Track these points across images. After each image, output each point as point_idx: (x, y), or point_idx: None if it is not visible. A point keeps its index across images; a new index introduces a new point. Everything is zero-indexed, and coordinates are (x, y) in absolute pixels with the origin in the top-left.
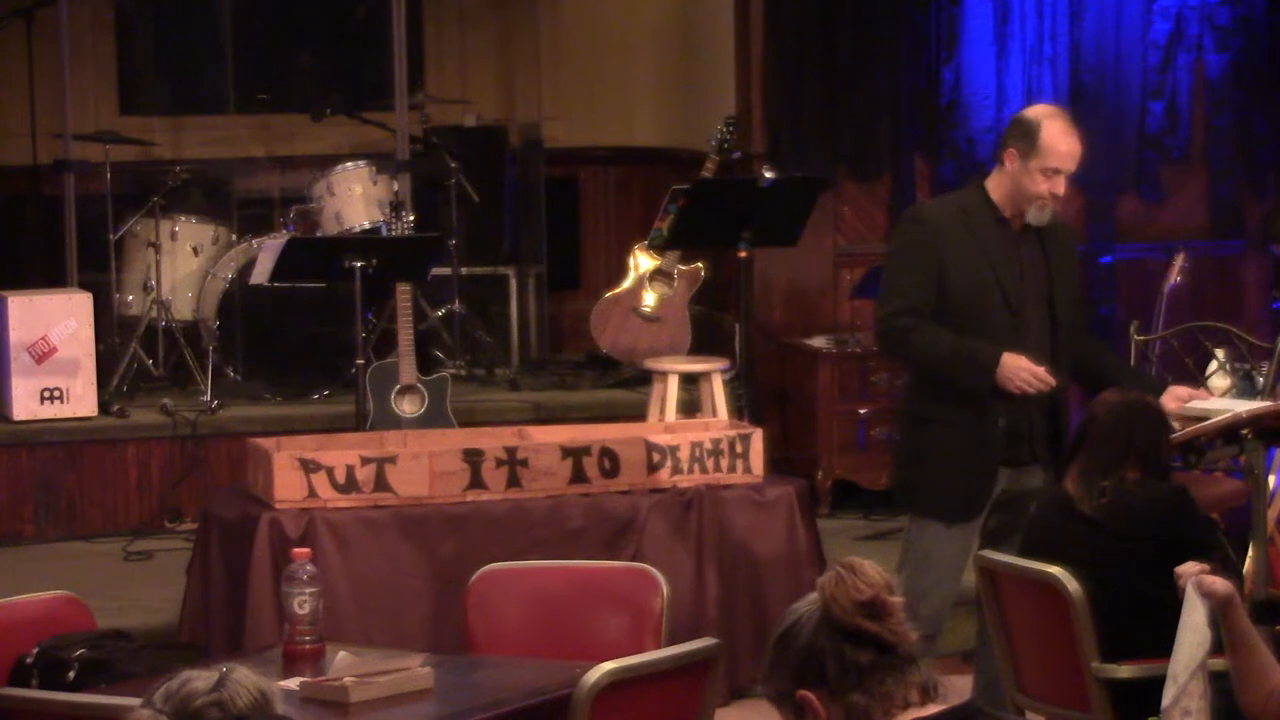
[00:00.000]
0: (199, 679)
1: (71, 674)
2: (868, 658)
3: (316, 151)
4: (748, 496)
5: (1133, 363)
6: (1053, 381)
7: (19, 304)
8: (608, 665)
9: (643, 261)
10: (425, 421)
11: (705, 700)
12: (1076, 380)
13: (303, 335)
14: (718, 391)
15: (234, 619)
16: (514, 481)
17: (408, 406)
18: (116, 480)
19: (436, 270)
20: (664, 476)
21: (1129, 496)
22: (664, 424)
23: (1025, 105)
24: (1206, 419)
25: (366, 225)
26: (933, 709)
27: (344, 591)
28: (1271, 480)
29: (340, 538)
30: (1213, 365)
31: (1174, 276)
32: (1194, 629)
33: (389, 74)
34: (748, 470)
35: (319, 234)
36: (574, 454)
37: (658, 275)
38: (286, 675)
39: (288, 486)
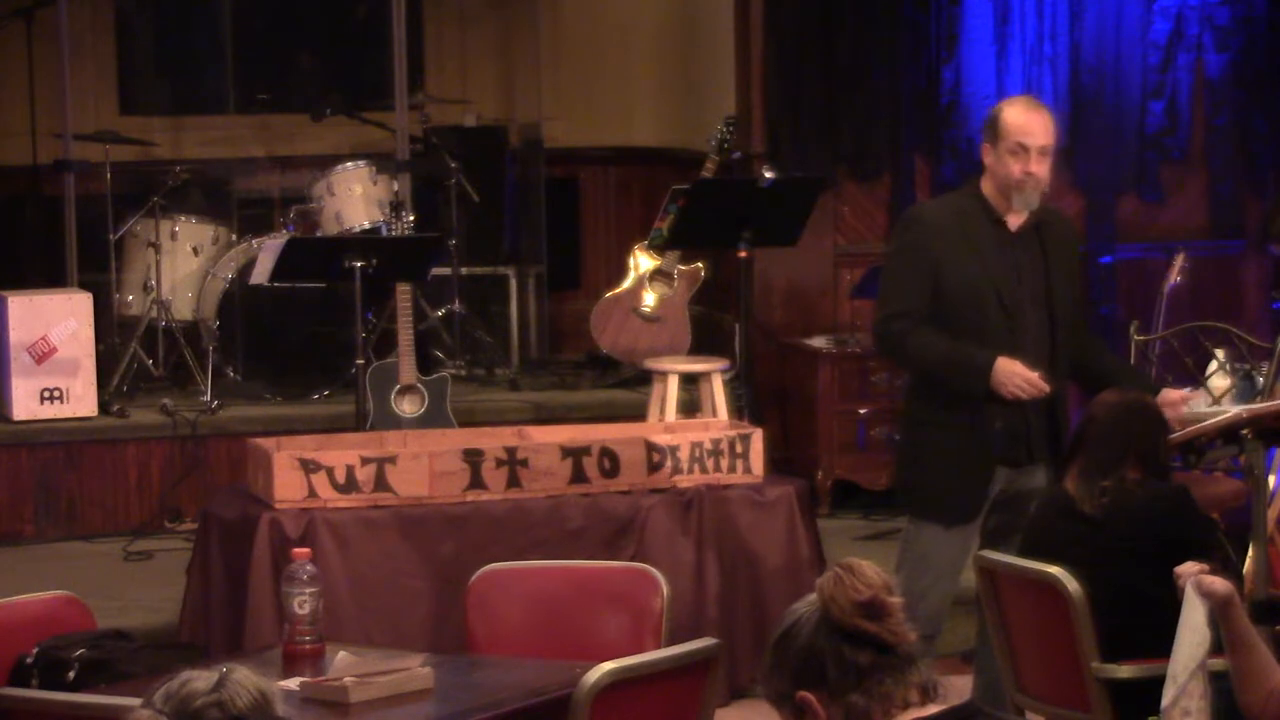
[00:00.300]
0: (199, 679)
1: (71, 674)
2: (867, 658)
3: (316, 151)
4: (748, 496)
5: (1132, 363)
6: (1046, 387)
7: (19, 304)
8: (608, 665)
9: (643, 261)
10: (425, 421)
11: (705, 700)
12: (1075, 380)
13: (303, 335)
14: (718, 391)
15: (234, 619)
16: (514, 481)
17: (408, 406)
18: (116, 480)
19: (436, 270)
20: (664, 476)
21: (1129, 496)
22: (664, 424)
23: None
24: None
25: (366, 225)
26: (933, 709)
27: (344, 591)
28: (1271, 480)
29: (340, 538)
30: (1213, 365)
31: (1174, 276)
32: (1194, 629)
33: (389, 74)
34: (748, 470)
35: (319, 234)
36: (574, 454)
37: (658, 275)
38: (286, 675)
39: (288, 486)
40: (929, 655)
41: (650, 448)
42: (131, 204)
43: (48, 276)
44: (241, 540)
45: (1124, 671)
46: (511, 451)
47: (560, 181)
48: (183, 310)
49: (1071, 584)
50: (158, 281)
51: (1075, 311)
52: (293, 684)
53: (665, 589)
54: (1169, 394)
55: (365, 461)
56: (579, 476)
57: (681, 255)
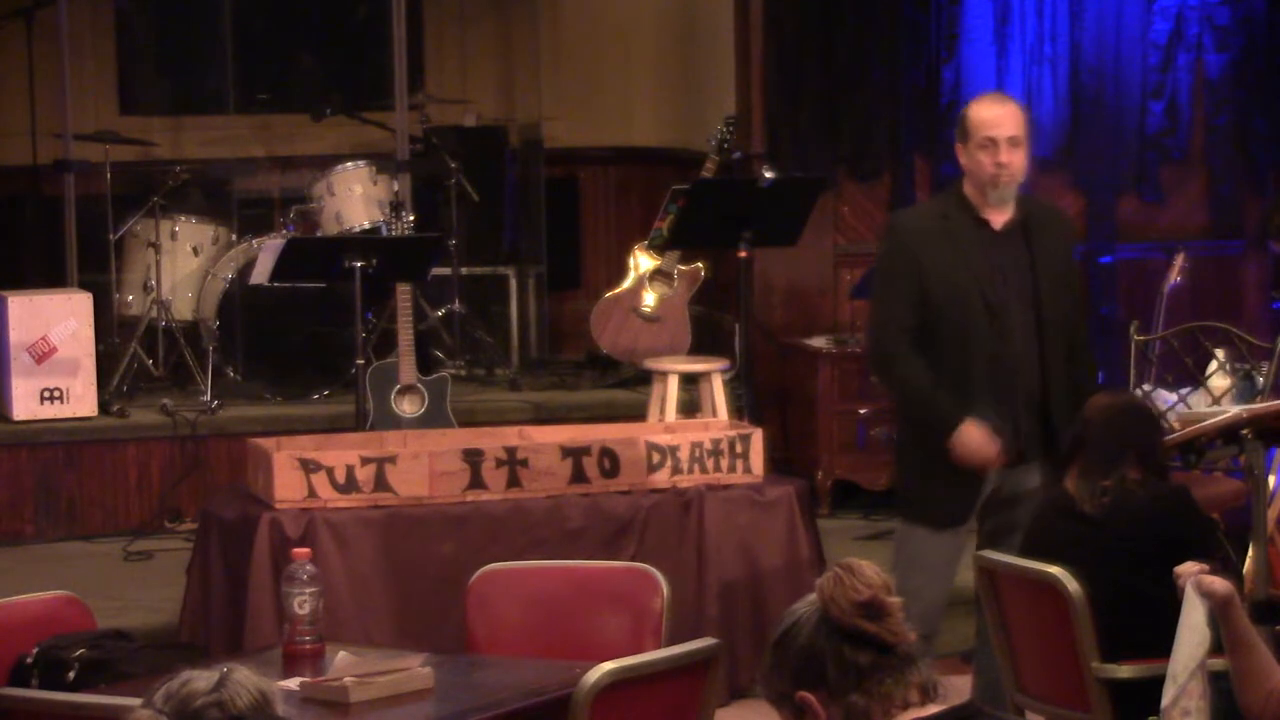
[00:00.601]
0: (199, 679)
1: (71, 674)
2: (867, 658)
3: (316, 151)
4: (748, 496)
5: (1133, 363)
6: (995, 467)
7: (19, 304)
8: (608, 665)
9: (643, 261)
10: (425, 421)
11: (705, 700)
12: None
13: (303, 335)
14: (718, 391)
15: (234, 619)
16: (514, 481)
17: (408, 406)
18: (116, 480)
19: (436, 270)
20: (664, 476)
21: (1131, 496)
22: (664, 424)
23: (1025, 105)
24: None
25: (366, 225)
26: (933, 709)
27: (344, 591)
28: (1271, 480)
29: (340, 538)
30: (1213, 365)
31: (1174, 276)
32: (1193, 629)
33: (389, 74)
34: (748, 470)
35: (319, 234)
36: (574, 454)
37: (658, 275)
38: (286, 675)
39: (288, 486)
40: (928, 655)
41: (650, 448)
42: (131, 204)
43: (48, 276)
44: (241, 540)
45: (1124, 671)
46: (511, 451)
47: (560, 181)
48: (183, 310)
49: (1071, 584)
50: (158, 281)
51: (1073, 307)
52: (293, 684)
53: (665, 589)
54: None
55: (365, 461)
56: (579, 476)
57: (681, 255)
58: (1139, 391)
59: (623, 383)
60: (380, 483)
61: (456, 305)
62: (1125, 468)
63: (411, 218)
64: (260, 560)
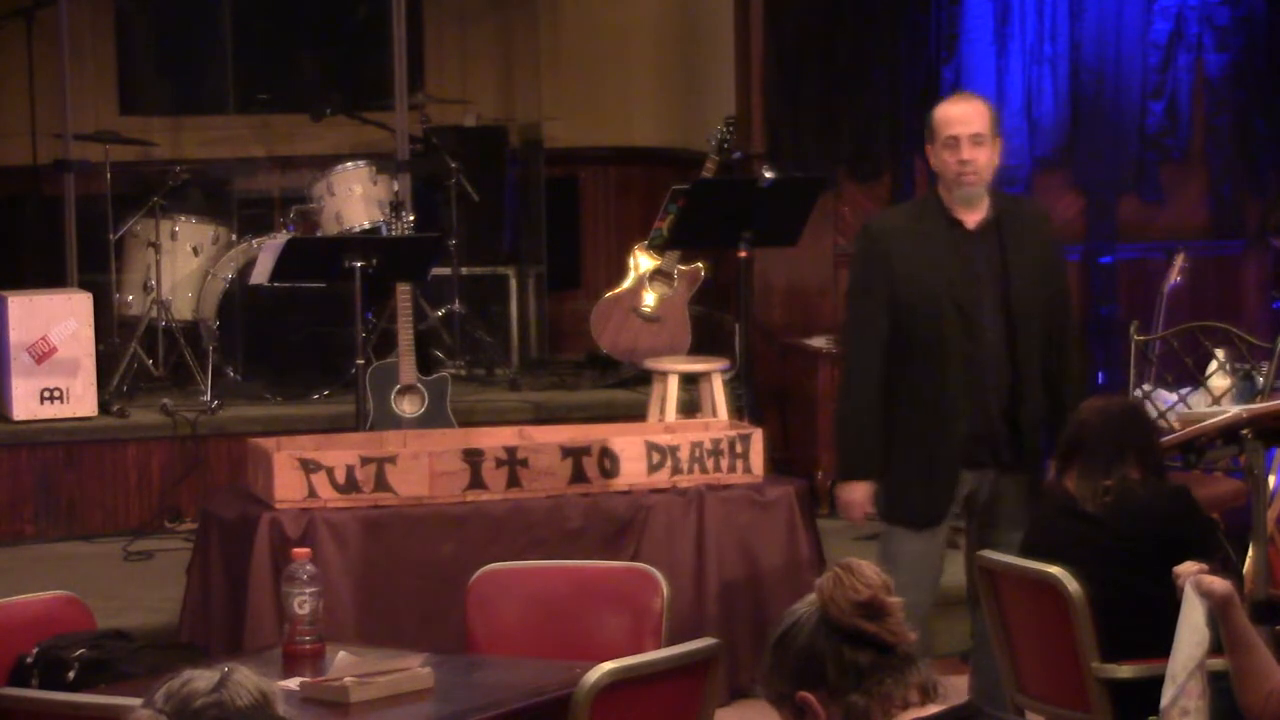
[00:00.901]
0: (200, 679)
1: (71, 674)
2: (867, 658)
3: (316, 151)
4: (748, 496)
5: (1133, 363)
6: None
7: (19, 304)
8: (608, 665)
9: (643, 261)
10: (425, 421)
11: (705, 700)
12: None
13: (303, 335)
14: (718, 391)
15: (234, 619)
16: (514, 481)
17: (408, 406)
18: (116, 480)
19: (436, 270)
20: (664, 476)
21: (1132, 495)
22: (664, 424)
23: (1025, 105)
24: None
25: (366, 225)
26: (933, 709)
27: (344, 591)
28: (1271, 480)
29: (340, 538)
30: (1213, 365)
31: (1174, 276)
32: (1193, 629)
33: (389, 74)
34: (748, 470)
35: (319, 234)
36: (574, 454)
37: (658, 275)
38: (286, 675)
39: (288, 486)
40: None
41: (650, 448)
42: (131, 204)
43: (48, 276)
44: (241, 540)
45: (1124, 671)
46: (511, 451)
47: (560, 181)
48: (183, 310)
49: (1071, 584)
50: (158, 281)
51: (1058, 306)
52: (293, 684)
53: (665, 589)
54: None
55: (365, 461)
56: (579, 476)
57: (681, 255)
58: (1139, 391)
59: (623, 383)
60: (380, 483)
61: (456, 305)
62: (1126, 467)
63: (411, 218)
64: (260, 560)
